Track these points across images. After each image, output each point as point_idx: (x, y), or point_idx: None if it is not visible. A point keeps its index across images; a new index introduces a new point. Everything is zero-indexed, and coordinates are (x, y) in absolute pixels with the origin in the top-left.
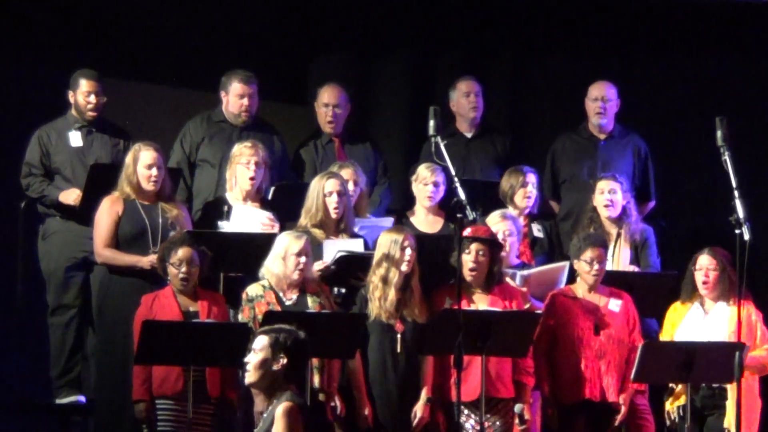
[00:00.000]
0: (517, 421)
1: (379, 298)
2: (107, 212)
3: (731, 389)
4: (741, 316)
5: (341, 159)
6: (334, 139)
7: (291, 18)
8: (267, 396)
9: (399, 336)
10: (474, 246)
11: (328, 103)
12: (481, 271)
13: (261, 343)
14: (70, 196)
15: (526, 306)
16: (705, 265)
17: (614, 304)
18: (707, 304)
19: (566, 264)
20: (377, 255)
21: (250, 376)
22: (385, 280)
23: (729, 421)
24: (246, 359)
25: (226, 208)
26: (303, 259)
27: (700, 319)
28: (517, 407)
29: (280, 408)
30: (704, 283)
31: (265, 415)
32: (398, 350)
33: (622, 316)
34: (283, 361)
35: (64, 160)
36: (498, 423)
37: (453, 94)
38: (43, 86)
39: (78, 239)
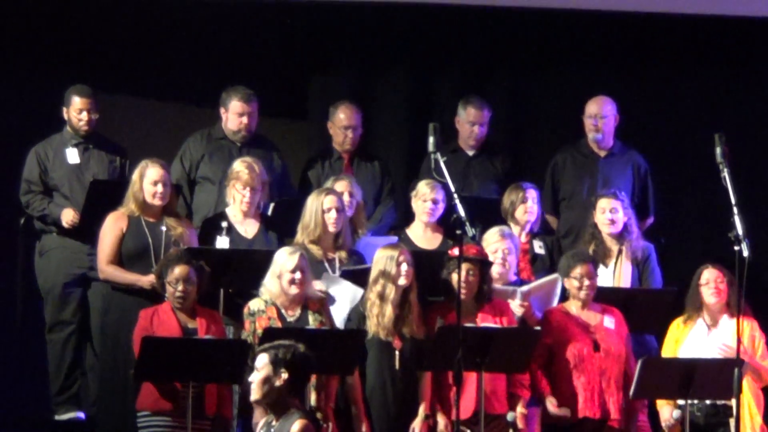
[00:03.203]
0: (510, 431)
1: (377, 315)
2: (111, 228)
3: (744, 406)
4: (740, 332)
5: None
6: (344, 155)
7: (291, 34)
8: (273, 412)
9: (397, 353)
10: (463, 266)
11: (347, 125)
12: (470, 291)
13: (262, 361)
14: (65, 217)
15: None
16: (713, 277)
17: (609, 321)
18: (711, 320)
19: (558, 275)
20: (374, 272)
21: (255, 393)
22: (382, 297)
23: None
24: (249, 378)
25: (225, 224)
26: (298, 275)
27: (705, 335)
28: (510, 415)
29: (296, 426)
30: (715, 294)
31: (273, 430)
32: (396, 367)
33: (617, 332)
34: (285, 375)
35: (62, 176)
36: None
37: (461, 113)
38: (40, 102)
39: (75, 255)
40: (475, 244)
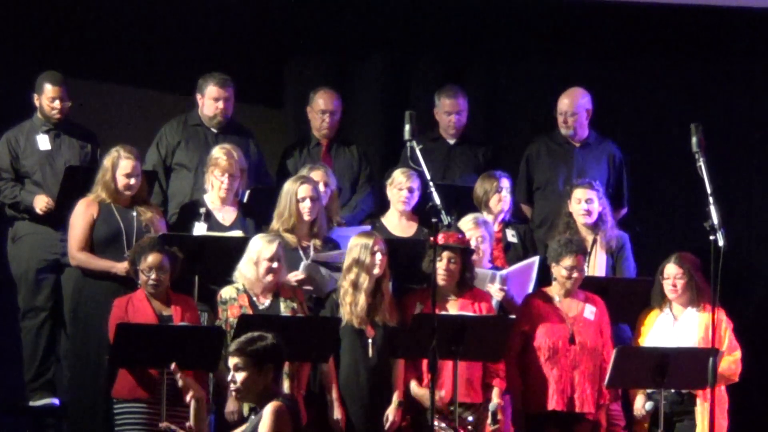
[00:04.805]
0: (489, 420)
1: (350, 303)
2: (82, 215)
3: (701, 397)
4: (714, 322)
5: (325, 162)
6: (323, 141)
7: (266, 20)
8: (259, 403)
9: (370, 341)
10: (445, 254)
11: (325, 110)
12: (452, 278)
13: (241, 361)
14: (39, 203)
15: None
16: (672, 273)
17: (589, 311)
18: (676, 310)
19: (536, 259)
20: (347, 260)
21: (243, 394)
22: (355, 285)
23: (700, 430)
24: (230, 378)
25: (203, 210)
26: (275, 264)
27: (670, 326)
28: (492, 405)
29: (269, 406)
30: (672, 291)
31: (253, 416)
32: (369, 355)
33: (596, 324)
34: (271, 369)
35: (33, 163)
36: (469, 428)
37: (437, 103)
38: (10, 88)
39: (48, 241)
40: (455, 232)
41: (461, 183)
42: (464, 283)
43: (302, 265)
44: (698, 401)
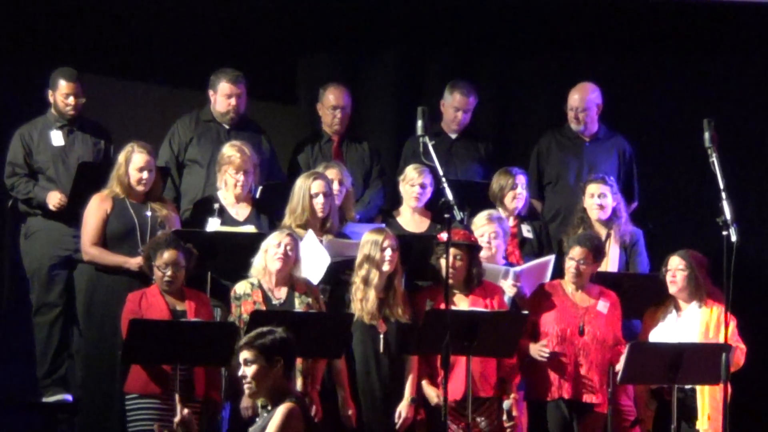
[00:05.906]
0: (505, 417)
1: (361, 299)
2: (96, 210)
3: (700, 392)
4: (726, 319)
5: (337, 157)
6: (334, 138)
7: (280, 17)
8: (272, 401)
9: (381, 336)
10: (450, 250)
11: (336, 105)
12: (458, 275)
13: (251, 354)
14: (52, 200)
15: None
16: (674, 265)
17: (602, 305)
18: (680, 306)
19: (551, 258)
20: (359, 256)
21: (252, 388)
22: (366, 281)
23: (700, 424)
24: (241, 373)
25: (216, 206)
26: (282, 248)
27: (673, 321)
28: (506, 404)
29: (282, 406)
30: (672, 283)
31: (266, 414)
32: (381, 350)
33: (608, 317)
34: (281, 362)
35: (47, 159)
36: (484, 423)
37: (447, 96)
38: (25, 84)
39: (61, 237)
40: (462, 228)
41: (462, 177)
42: (471, 280)
43: (324, 241)
44: (698, 397)
